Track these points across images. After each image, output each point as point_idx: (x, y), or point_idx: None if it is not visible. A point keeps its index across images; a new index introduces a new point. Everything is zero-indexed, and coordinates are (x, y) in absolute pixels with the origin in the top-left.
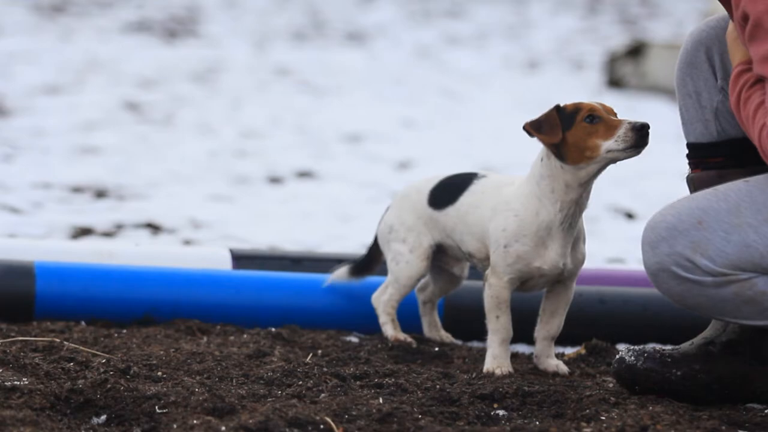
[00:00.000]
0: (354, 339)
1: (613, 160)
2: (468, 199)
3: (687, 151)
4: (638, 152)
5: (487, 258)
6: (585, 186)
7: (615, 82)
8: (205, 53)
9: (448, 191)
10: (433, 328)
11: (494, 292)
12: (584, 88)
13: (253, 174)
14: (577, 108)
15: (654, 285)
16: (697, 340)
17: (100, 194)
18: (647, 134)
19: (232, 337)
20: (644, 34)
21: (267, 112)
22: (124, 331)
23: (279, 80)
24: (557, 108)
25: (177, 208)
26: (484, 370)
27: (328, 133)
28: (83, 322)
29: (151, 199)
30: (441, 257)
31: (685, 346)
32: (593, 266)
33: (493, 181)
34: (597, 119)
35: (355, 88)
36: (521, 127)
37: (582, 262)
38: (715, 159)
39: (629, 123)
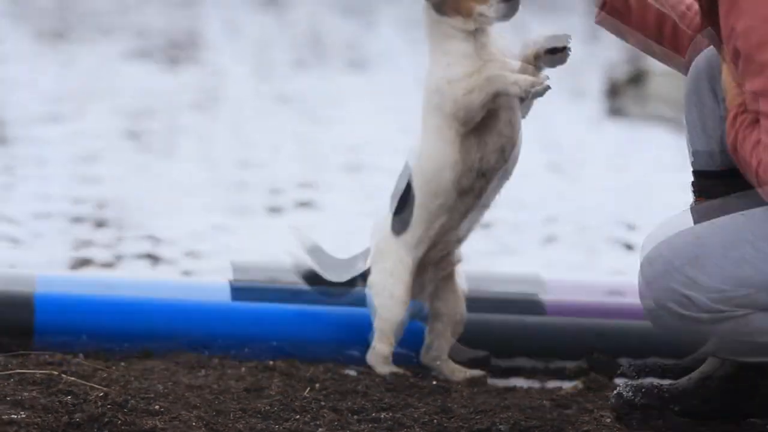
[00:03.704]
0: (352, 372)
1: (486, 23)
2: (415, 170)
3: (692, 180)
4: (508, 20)
5: (464, 153)
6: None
7: (616, 110)
8: (206, 80)
9: (403, 203)
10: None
11: (477, 101)
12: (584, 116)
13: (255, 186)
14: None
15: (650, 321)
16: (695, 374)
17: (100, 224)
18: (517, 6)
19: (230, 370)
20: (645, 62)
21: (268, 140)
22: (123, 364)
23: (280, 107)
24: None
25: (179, 220)
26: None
27: (330, 161)
28: (81, 355)
29: (154, 211)
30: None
31: (683, 381)
32: (592, 299)
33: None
34: None
35: (357, 115)
36: None
37: None
38: (718, 188)
39: None
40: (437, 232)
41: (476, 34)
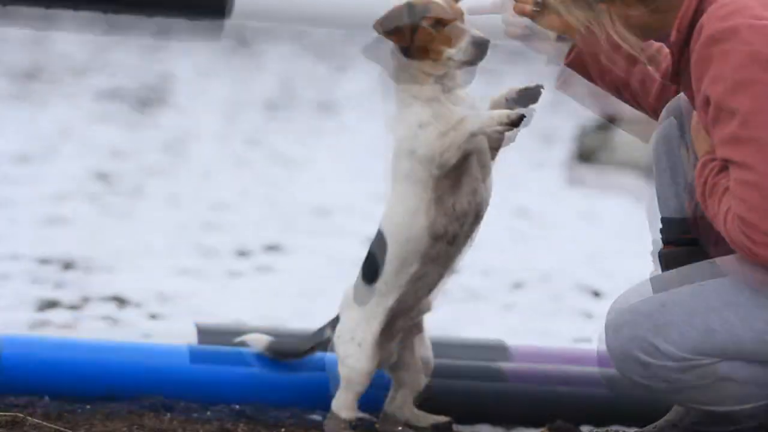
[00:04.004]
0: (318, 417)
1: (455, 67)
2: (386, 221)
3: (660, 226)
4: (475, 65)
5: (438, 199)
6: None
7: (585, 156)
8: (176, 123)
9: (374, 254)
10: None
11: (453, 143)
12: (554, 162)
13: (221, 247)
14: (425, 9)
15: (616, 369)
16: (661, 423)
17: (68, 266)
18: (486, 50)
19: (195, 414)
20: (607, 130)
21: (237, 184)
22: (88, 406)
23: (250, 151)
24: (408, 5)
25: (144, 281)
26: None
27: (298, 206)
28: (47, 397)
29: (119, 272)
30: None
31: (649, 429)
32: (558, 345)
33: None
34: (442, 25)
35: (326, 159)
36: (372, 26)
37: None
38: (686, 235)
39: (472, 37)
40: (408, 281)
41: (442, 79)
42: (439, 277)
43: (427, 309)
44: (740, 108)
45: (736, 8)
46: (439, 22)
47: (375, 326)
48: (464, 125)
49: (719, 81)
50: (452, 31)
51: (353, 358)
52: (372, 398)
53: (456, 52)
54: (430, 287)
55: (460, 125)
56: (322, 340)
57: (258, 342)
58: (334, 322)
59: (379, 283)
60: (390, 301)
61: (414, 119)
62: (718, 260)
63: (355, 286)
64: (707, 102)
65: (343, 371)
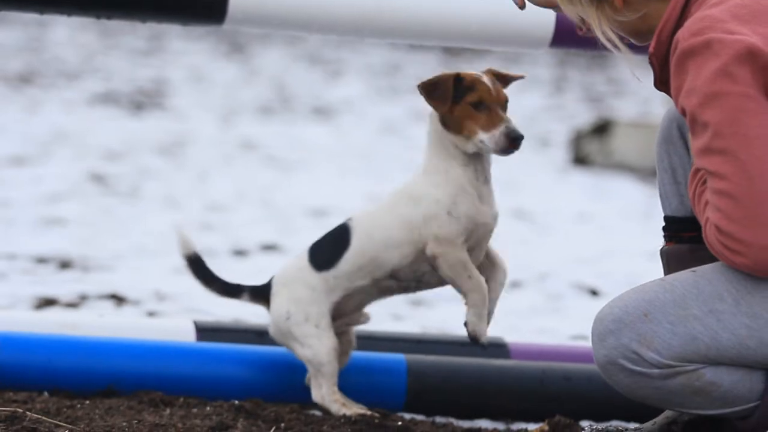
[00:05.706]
0: (317, 413)
1: (484, 152)
2: (362, 227)
3: (663, 224)
4: (505, 155)
5: (414, 259)
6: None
7: (581, 159)
8: (171, 126)
9: (332, 245)
10: None
11: (454, 257)
12: (550, 165)
13: (217, 247)
14: (471, 86)
15: (603, 377)
16: (660, 419)
17: (65, 265)
18: (519, 145)
19: (195, 410)
20: (610, 112)
21: (232, 186)
22: (87, 402)
23: (245, 154)
24: (456, 77)
25: (141, 280)
26: (470, 330)
27: (294, 207)
28: (46, 393)
29: (116, 270)
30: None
31: (648, 425)
32: (557, 342)
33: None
34: (483, 107)
35: (321, 162)
36: (416, 86)
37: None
38: (688, 233)
39: (507, 128)
40: (352, 290)
41: (475, 160)
42: (377, 299)
43: (365, 320)
44: (712, 120)
45: (709, 23)
46: (481, 103)
47: (325, 308)
48: (476, 286)
49: (693, 94)
50: (491, 115)
51: (315, 337)
52: None
53: (488, 138)
54: (365, 304)
55: (476, 282)
56: (236, 296)
57: (185, 245)
58: (256, 290)
59: (329, 275)
60: (334, 297)
61: (447, 199)
62: (699, 268)
63: (299, 267)
64: (684, 113)
65: (306, 353)
